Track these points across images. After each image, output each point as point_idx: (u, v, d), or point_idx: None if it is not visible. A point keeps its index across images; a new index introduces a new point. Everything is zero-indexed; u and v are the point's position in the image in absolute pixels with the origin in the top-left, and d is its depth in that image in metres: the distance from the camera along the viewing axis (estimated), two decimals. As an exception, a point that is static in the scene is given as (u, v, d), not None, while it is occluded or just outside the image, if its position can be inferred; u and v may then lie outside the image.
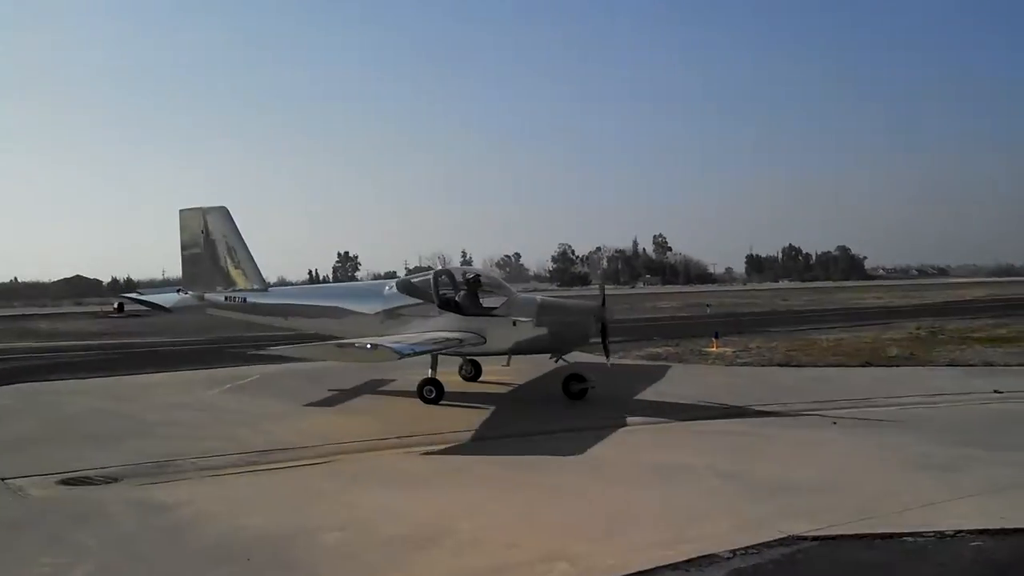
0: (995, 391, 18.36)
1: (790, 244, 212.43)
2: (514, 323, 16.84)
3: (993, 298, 70.62)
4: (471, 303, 17.37)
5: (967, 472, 10.72)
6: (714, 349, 27.16)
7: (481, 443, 13.73)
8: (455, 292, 17.69)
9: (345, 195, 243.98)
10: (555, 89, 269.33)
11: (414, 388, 17.23)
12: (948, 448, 12.39)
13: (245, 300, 19.09)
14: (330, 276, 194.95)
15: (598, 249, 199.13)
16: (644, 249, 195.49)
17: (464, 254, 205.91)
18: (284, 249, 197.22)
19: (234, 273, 19.21)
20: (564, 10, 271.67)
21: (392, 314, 17.58)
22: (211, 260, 19.31)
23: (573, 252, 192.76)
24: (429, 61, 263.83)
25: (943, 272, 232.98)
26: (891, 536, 8.07)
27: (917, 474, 10.75)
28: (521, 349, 17.17)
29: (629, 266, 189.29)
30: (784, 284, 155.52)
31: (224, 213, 19.38)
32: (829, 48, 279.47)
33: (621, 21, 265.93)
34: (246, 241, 19.49)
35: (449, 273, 18.78)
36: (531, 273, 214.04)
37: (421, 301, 17.56)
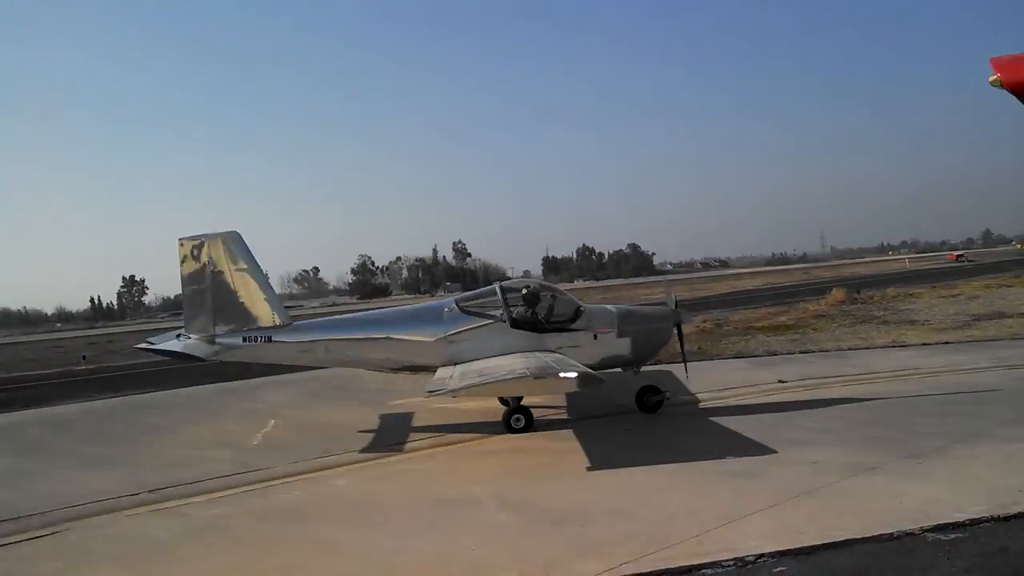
0: (779, 381, 18.53)
1: (584, 244, 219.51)
2: (595, 336, 15.55)
3: (771, 286, 74.78)
4: (547, 319, 15.80)
5: (763, 478, 10.14)
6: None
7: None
8: (527, 309, 15.98)
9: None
10: (361, 91, 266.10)
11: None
12: (746, 448, 11.93)
13: (271, 339, 15.88)
14: (114, 303, 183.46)
15: (398, 259, 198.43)
16: (444, 256, 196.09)
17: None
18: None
19: (253, 309, 15.97)
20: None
21: (458, 338, 15.55)
22: (223, 296, 15.94)
23: (373, 263, 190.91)
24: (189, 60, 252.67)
25: (725, 264, 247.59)
26: (689, 571, 7.18)
27: (715, 484, 10.08)
28: (605, 364, 15.69)
29: (430, 274, 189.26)
30: (579, 284, 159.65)
31: (235, 239, 16.11)
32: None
33: (413, 26, 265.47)
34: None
35: (514, 289, 16.60)
36: (330, 287, 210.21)
37: (491, 321, 15.67)
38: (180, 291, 16.32)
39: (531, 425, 14.75)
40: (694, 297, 63.37)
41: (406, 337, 15.65)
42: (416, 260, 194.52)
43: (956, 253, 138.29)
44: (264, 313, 15.84)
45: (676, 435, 13.65)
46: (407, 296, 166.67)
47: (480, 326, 15.55)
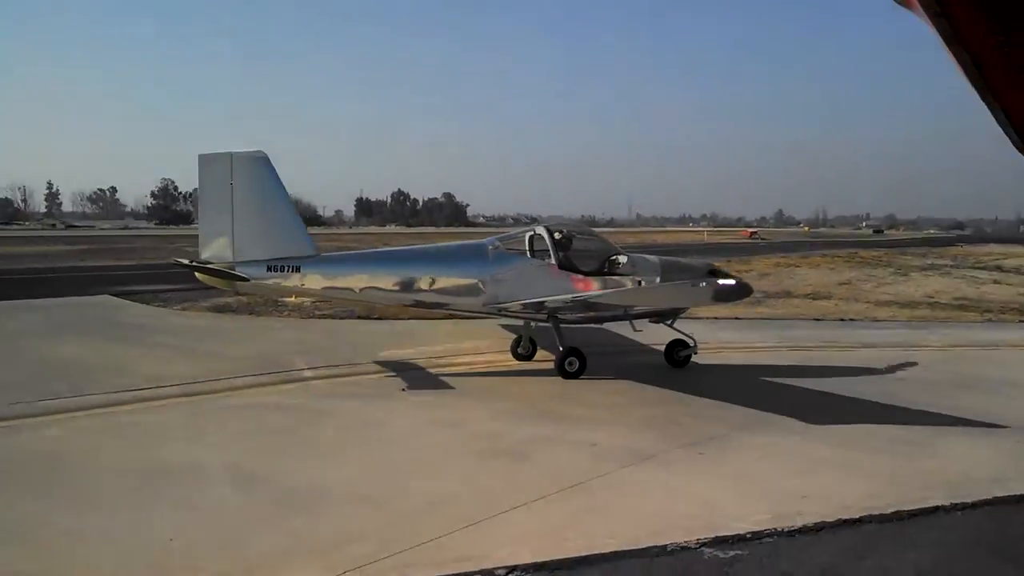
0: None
1: (399, 189, 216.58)
2: (640, 284, 14.85)
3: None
4: (594, 264, 15.10)
5: (535, 461, 9.05)
6: (292, 299, 24.51)
7: None
8: (573, 252, 15.25)
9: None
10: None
11: None
12: (518, 423, 10.86)
13: (299, 269, 14.22)
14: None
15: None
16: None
17: (50, 185, 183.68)
18: None
19: (280, 236, 14.36)
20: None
21: (503, 278, 14.72)
22: (247, 220, 14.18)
23: (176, 188, 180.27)
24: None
25: (534, 220, 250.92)
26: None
27: (481, 466, 8.90)
28: (647, 312, 15.21)
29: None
30: (391, 228, 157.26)
31: (263, 160, 14.38)
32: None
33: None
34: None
35: (560, 231, 15.61)
36: (127, 209, 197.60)
37: (541, 263, 14.91)
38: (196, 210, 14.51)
39: (584, 369, 14.31)
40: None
41: (450, 275, 14.76)
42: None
43: (751, 230, 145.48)
44: (291, 241, 14.41)
45: (450, 400, 12.41)
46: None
47: (526, 267, 14.91)
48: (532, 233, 15.65)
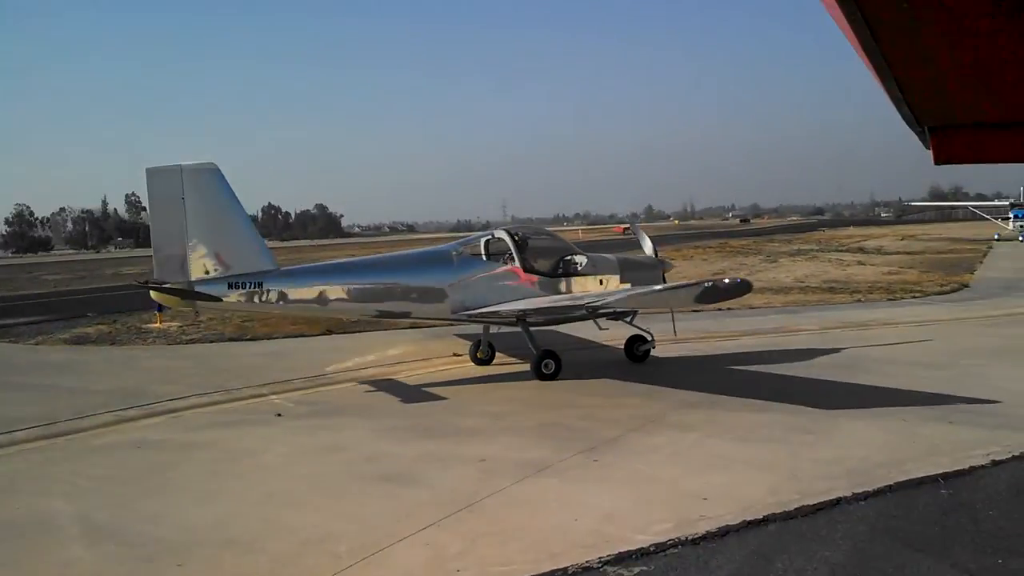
0: (455, 354, 17.21)
1: (269, 202, 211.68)
2: (600, 282, 15.03)
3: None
4: (555, 265, 15.20)
5: (424, 483, 8.46)
6: (157, 325, 23.15)
7: None
8: (536, 255, 15.21)
9: None
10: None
11: None
12: (404, 441, 10.26)
13: (261, 284, 13.58)
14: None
15: (62, 210, 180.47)
16: (116, 209, 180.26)
17: None
18: None
19: (238, 251, 13.69)
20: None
21: (470, 284, 14.56)
22: (200, 236, 13.47)
23: (32, 214, 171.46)
24: None
25: (411, 228, 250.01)
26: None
27: (364, 494, 8.26)
28: (618, 312, 15.14)
29: (98, 228, 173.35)
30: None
31: (214, 172, 13.71)
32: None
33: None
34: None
35: (520, 234, 15.61)
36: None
37: (505, 266, 14.80)
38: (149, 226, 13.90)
39: (560, 370, 14.14)
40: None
41: (415, 283, 14.43)
42: (83, 212, 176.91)
43: (623, 226, 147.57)
44: (249, 256, 13.81)
45: (331, 424, 11.66)
46: (71, 251, 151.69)
47: (492, 272, 14.75)
48: (490, 237, 15.45)
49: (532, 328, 14.92)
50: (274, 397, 13.68)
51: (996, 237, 54.60)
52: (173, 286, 13.25)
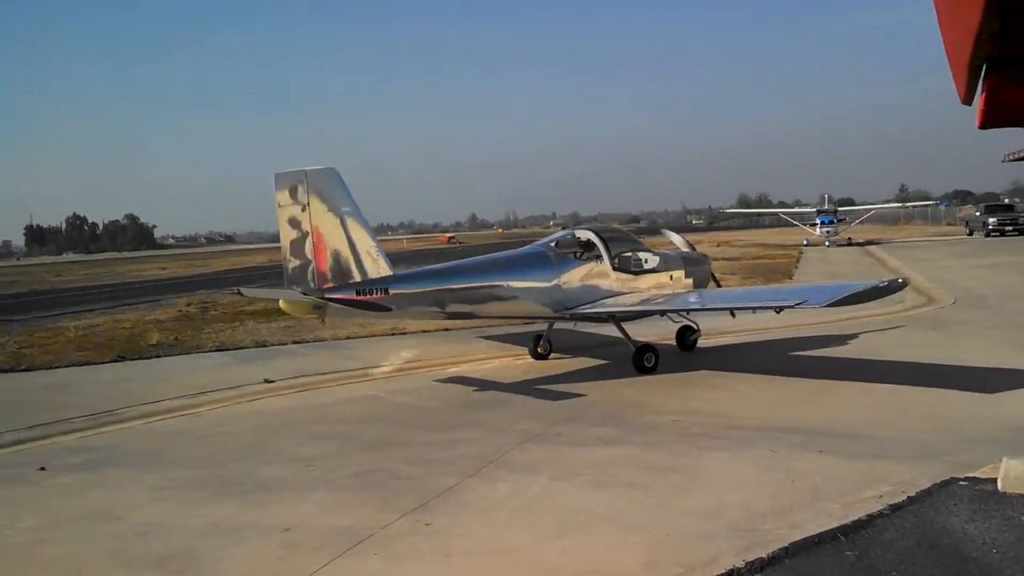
0: (266, 380, 15.31)
1: (75, 213, 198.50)
2: (671, 278, 15.80)
3: (275, 263, 71.75)
4: (636, 262, 15.49)
5: (202, 568, 6.60)
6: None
7: None
8: (623, 253, 15.50)
9: None
10: None
11: None
12: (194, 506, 8.34)
13: (387, 291, 13.01)
14: None
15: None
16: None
17: None
18: None
19: (362, 255, 13.14)
20: None
21: (569, 282, 14.72)
22: (329, 242, 13.01)
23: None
24: None
25: (230, 239, 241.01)
26: None
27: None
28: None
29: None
30: (69, 256, 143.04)
31: (334, 175, 13.20)
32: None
33: None
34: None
35: (606, 232, 16.20)
36: None
37: (597, 265, 15.06)
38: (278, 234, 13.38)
39: (658, 364, 14.51)
40: (191, 274, 58.13)
41: (522, 283, 14.35)
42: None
43: (448, 235, 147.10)
44: (373, 262, 13.24)
45: (121, 477, 9.53)
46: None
47: (587, 270, 14.94)
48: (577, 236, 15.65)
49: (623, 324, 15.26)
50: (43, 443, 11.38)
51: (805, 242, 56.94)
52: (307, 296, 12.71)
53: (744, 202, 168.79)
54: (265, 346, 19.97)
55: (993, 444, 8.74)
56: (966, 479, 7.29)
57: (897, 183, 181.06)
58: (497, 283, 14.14)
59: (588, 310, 14.51)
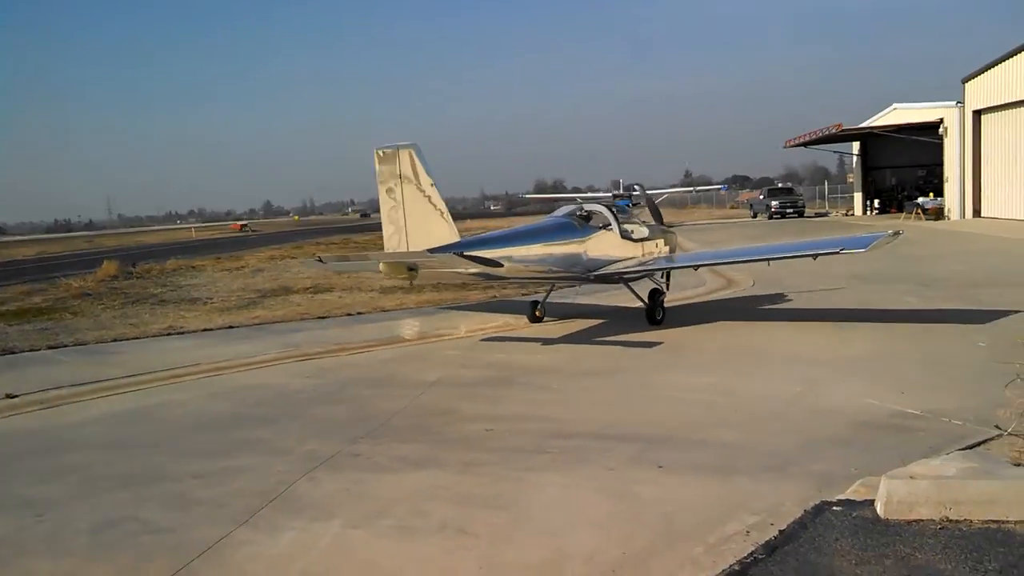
0: (8, 395, 12.89)
1: None
2: (656, 245, 17.43)
3: (43, 257, 65.39)
4: (634, 232, 17.24)
5: None
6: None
7: None
8: (624, 222, 17.19)
9: None
10: None
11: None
12: None
13: (461, 254, 13.71)
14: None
15: None
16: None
17: None
18: None
19: (442, 226, 14.20)
20: None
21: (593, 247, 16.08)
22: (418, 212, 14.17)
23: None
24: None
25: (2, 231, 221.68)
26: None
27: None
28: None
29: None
30: None
31: (419, 151, 14.15)
32: None
33: None
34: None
35: (611, 206, 17.86)
36: None
37: (608, 232, 16.54)
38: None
39: (665, 318, 16.44)
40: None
41: (561, 249, 15.63)
42: None
43: (240, 223, 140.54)
44: (448, 230, 14.29)
45: None
46: None
47: (603, 237, 16.29)
48: (585, 210, 16.91)
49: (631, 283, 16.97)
50: None
51: (602, 227, 57.57)
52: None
53: (540, 187, 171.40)
54: (13, 352, 17.08)
55: (839, 446, 7.93)
56: (839, 503, 6.25)
57: (682, 168, 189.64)
58: (547, 246, 15.42)
59: (609, 270, 16.16)
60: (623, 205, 61.19)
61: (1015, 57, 39.56)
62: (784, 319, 16.61)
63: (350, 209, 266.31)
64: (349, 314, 20.40)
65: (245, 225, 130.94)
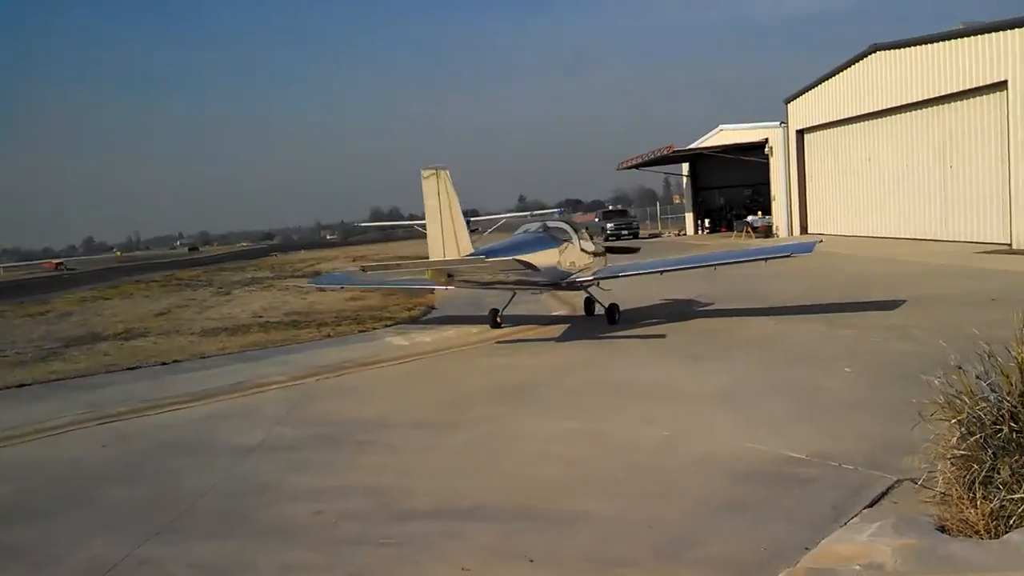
0: None
1: None
2: (596, 255, 19.64)
3: None
4: (588, 247, 19.35)
5: None
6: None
7: None
8: (582, 237, 19.34)
9: None
10: None
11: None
12: None
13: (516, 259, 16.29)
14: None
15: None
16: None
17: None
18: None
19: (466, 239, 16.55)
20: None
21: (564, 259, 18.13)
22: (455, 226, 16.34)
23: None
24: None
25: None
26: None
27: None
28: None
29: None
30: None
31: (449, 173, 16.44)
32: None
33: None
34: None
35: (571, 223, 21.02)
36: None
37: (571, 245, 18.54)
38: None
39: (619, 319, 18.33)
40: None
41: (544, 261, 17.12)
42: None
43: (56, 261, 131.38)
44: (469, 243, 16.58)
45: None
46: None
47: (569, 249, 18.27)
48: (549, 225, 19.12)
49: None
50: None
51: (442, 254, 56.30)
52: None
53: (376, 215, 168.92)
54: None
55: (734, 512, 6.77)
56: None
57: (516, 194, 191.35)
58: (534, 256, 16.79)
59: (581, 279, 18.19)
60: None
61: (832, 79, 41.10)
62: (638, 347, 15.71)
63: (178, 243, 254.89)
64: (164, 363, 18.10)
65: (61, 263, 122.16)
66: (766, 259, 18.63)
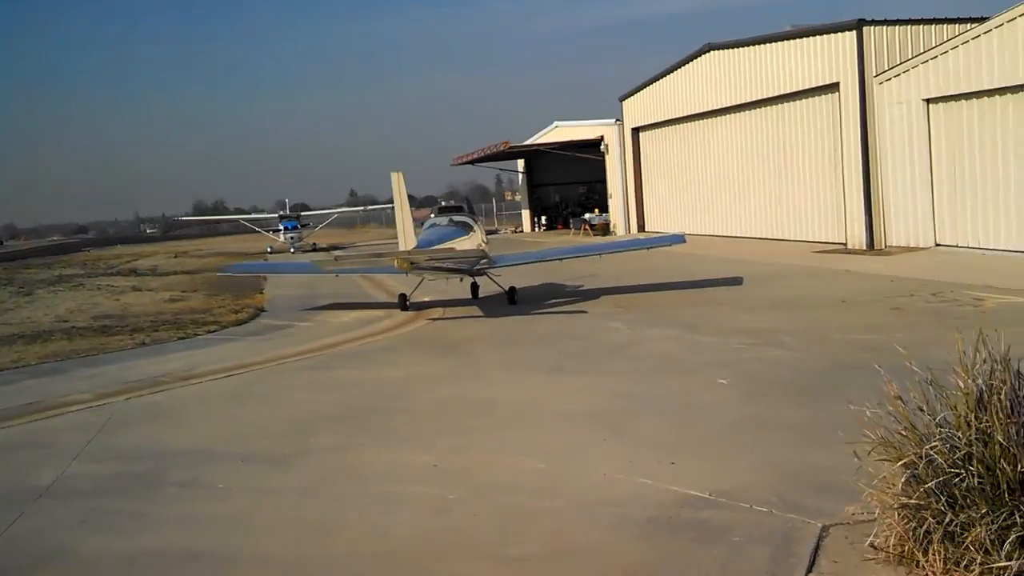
0: None
1: None
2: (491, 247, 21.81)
3: None
4: (482, 233, 21.85)
5: None
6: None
7: None
8: (481, 227, 22.34)
9: None
10: None
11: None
12: None
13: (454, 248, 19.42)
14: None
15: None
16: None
17: None
18: None
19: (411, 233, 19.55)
20: None
21: (477, 244, 20.56)
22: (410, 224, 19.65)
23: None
24: None
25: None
26: None
27: None
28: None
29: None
30: None
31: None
32: None
33: None
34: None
35: (470, 213, 23.95)
36: None
37: (476, 234, 20.98)
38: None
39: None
40: None
41: (468, 246, 19.70)
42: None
43: None
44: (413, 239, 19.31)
45: None
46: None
47: (478, 236, 20.86)
48: (452, 217, 21.58)
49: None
50: None
51: (269, 250, 53.35)
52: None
53: (200, 208, 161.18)
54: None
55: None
56: None
57: (347, 189, 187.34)
58: (461, 243, 19.66)
59: (483, 265, 19.83)
60: (289, 226, 56.95)
61: (667, 77, 41.28)
62: (487, 358, 14.50)
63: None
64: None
65: None
66: (648, 248, 23.33)
